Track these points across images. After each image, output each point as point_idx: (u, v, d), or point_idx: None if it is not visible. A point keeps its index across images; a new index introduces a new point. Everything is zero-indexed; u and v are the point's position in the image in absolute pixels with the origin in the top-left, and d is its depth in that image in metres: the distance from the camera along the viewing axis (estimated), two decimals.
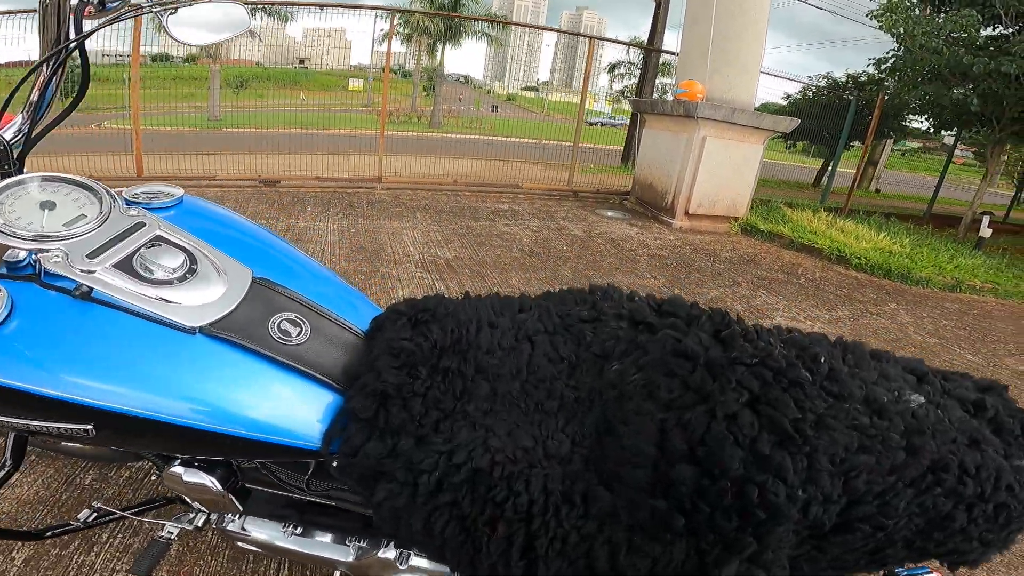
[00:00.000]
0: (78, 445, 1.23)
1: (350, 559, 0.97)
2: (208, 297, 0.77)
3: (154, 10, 0.91)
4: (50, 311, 0.69)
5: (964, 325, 4.22)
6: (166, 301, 0.73)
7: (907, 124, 12.20)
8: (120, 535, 1.39)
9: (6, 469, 0.88)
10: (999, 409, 0.79)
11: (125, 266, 0.74)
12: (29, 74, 0.84)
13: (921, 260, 5.69)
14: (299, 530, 0.98)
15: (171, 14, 0.90)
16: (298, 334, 0.80)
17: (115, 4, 0.88)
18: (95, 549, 1.34)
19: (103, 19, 0.87)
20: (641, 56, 11.76)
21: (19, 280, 0.70)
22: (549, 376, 0.82)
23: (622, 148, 11.26)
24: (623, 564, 0.66)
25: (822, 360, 0.75)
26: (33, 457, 1.57)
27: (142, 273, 0.74)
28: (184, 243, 0.82)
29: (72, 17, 0.83)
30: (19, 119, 0.88)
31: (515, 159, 8.16)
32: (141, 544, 1.38)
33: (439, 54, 23.17)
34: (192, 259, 0.80)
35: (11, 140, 0.84)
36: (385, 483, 0.74)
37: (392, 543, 0.95)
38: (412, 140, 11.24)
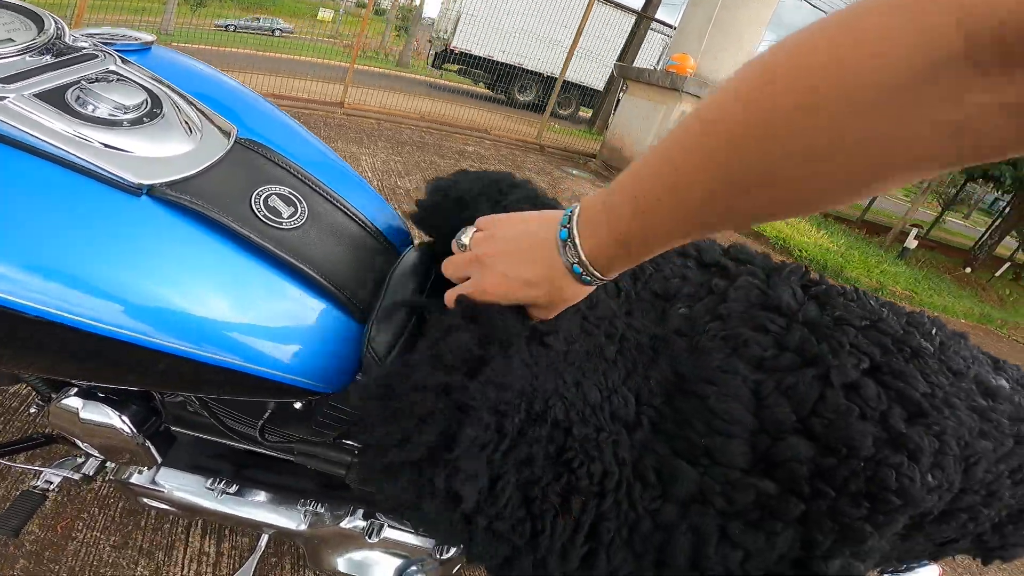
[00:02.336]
0: None
1: (301, 526, 0.80)
2: (170, 151, 0.55)
3: None
4: None
5: None
6: (106, 146, 0.51)
7: None
8: None
9: None
10: None
11: (53, 97, 0.52)
12: None
13: (853, 260, 6.06)
14: (232, 488, 0.80)
15: None
16: (291, 215, 0.60)
17: None
18: None
19: None
20: (632, 25, 11.54)
21: None
22: (609, 313, 0.64)
23: (589, 114, 11.20)
24: (710, 559, 0.53)
25: (933, 331, 0.64)
26: None
27: (77, 108, 0.52)
28: (147, 83, 0.61)
29: None
30: None
31: (484, 108, 7.91)
32: (8, 494, 1.08)
33: None
34: (155, 101, 0.58)
35: None
36: (471, 428, 0.51)
37: (361, 510, 0.79)
38: (377, 76, 10.65)
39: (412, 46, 18.15)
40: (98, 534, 1.07)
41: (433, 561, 0.82)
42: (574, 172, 6.15)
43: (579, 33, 6.53)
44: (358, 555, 0.81)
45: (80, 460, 0.82)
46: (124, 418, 0.67)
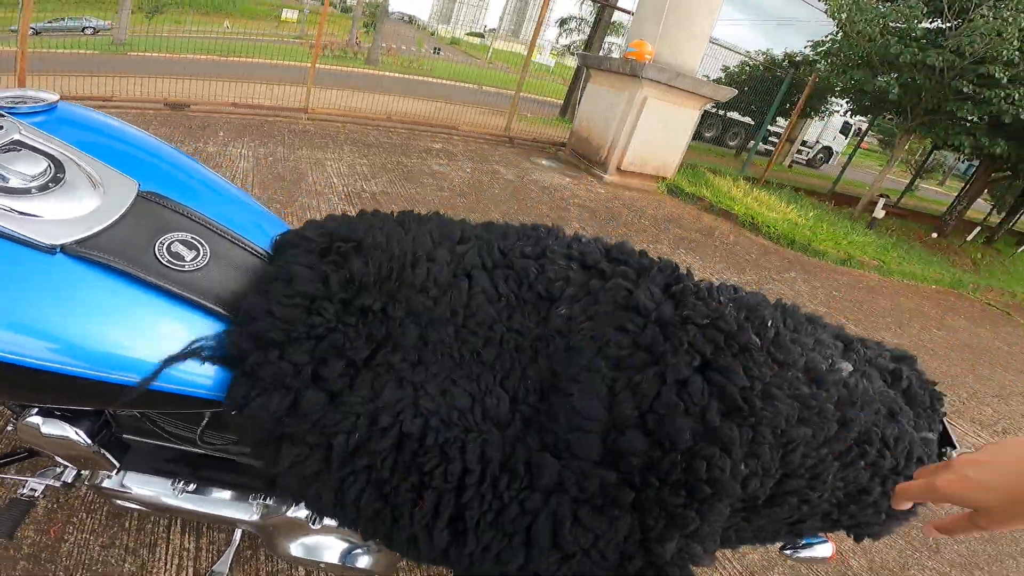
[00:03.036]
0: None
1: (254, 518, 0.88)
2: (77, 211, 0.63)
3: None
4: None
5: (851, 298, 4.65)
6: (20, 213, 0.59)
7: (828, 106, 12.93)
8: None
9: None
10: (912, 381, 0.78)
11: None
12: None
13: (821, 234, 6.17)
14: (191, 487, 0.87)
15: None
16: (193, 258, 0.67)
17: None
18: None
19: None
20: (593, 12, 11.49)
21: None
22: (488, 319, 0.70)
23: (562, 101, 11.18)
24: (565, 539, 0.60)
25: (769, 324, 0.70)
26: None
27: None
28: (50, 149, 0.68)
29: None
30: None
31: (454, 102, 7.88)
32: (2, 502, 1.17)
33: None
34: (58, 166, 0.66)
35: None
36: (290, 446, 0.63)
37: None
38: (346, 75, 10.52)
39: (380, 43, 17.92)
40: (87, 536, 1.15)
41: (376, 546, 0.89)
42: (543, 162, 6.19)
43: (539, 24, 6.53)
44: (308, 541, 0.88)
45: (59, 470, 0.89)
46: (78, 431, 0.75)
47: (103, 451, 0.78)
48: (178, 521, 1.22)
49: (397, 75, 14.07)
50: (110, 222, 0.64)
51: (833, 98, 11.66)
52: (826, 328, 0.81)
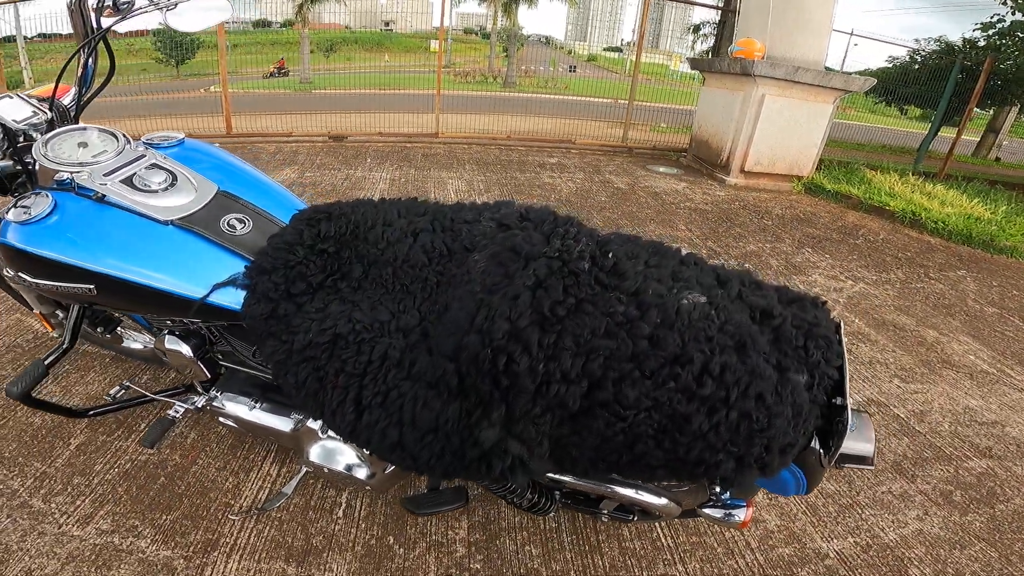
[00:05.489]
0: (121, 345, 1.56)
1: (288, 429, 1.18)
2: (180, 201, 1.08)
3: (160, 7, 1.20)
4: (79, 210, 1.03)
5: None
6: (151, 204, 1.05)
7: None
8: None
9: (63, 345, 1.15)
10: (787, 320, 0.78)
11: (128, 181, 1.07)
12: (68, 61, 1.19)
13: (1012, 228, 5.12)
14: (263, 405, 1.20)
15: (170, 10, 1.20)
16: (242, 228, 1.09)
17: (124, 5, 1.19)
18: (132, 435, 1.63)
19: (118, 17, 1.19)
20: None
21: (61, 191, 1.05)
22: (420, 264, 0.97)
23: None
24: (418, 417, 0.78)
25: (609, 255, 0.82)
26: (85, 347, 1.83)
27: (138, 186, 1.07)
28: (169, 167, 1.14)
29: (94, 15, 1.17)
30: (73, 89, 1.27)
31: (574, 117, 8.12)
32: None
33: (514, 15, 22.86)
34: (174, 177, 1.12)
35: (69, 104, 1.25)
36: (271, 340, 0.93)
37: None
38: (484, 99, 11.37)
39: (514, 66, 18.94)
40: (210, 461, 1.58)
41: (371, 462, 1.13)
42: (660, 169, 6.09)
43: (641, 35, 6.43)
44: (320, 448, 1.15)
45: (195, 398, 1.25)
46: (185, 346, 1.15)
47: (200, 363, 1.16)
48: (271, 452, 1.58)
49: (530, 95, 14.77)
50: (197, 208, 1.09)
51: None
52: (703, 269, 0.88)
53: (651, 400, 0.72)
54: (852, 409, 0.82)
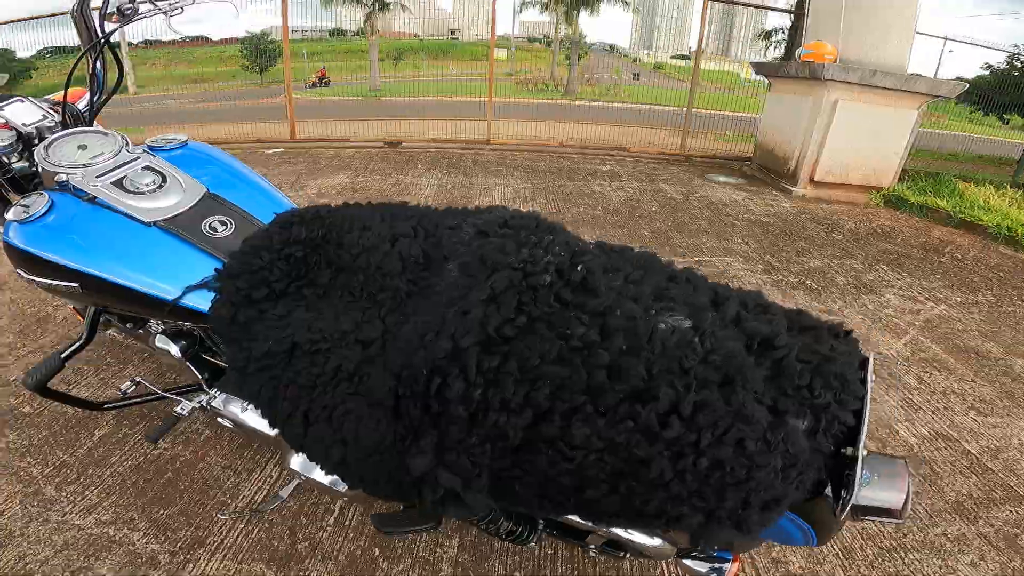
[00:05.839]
0: (141, 335, 1.56)
1: (273, 434, 1.09)
2: (167, 203, 1.09)
3: (164, 12, 1.23)
4: (72, 210, 1.05)
5: None
6: (137, 206, 1.06)
7: None
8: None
9: (81, 340, 1.20)
10: (793, 352, 0.65)
11: (119, 183, 1.09)
12: (74, 66, 1.22)
13: None
14: (249, 407, 1.15)
15: (176, 14, 1.22)
16: (224, 231, 1.08)
17: (128, 11, 1.22)
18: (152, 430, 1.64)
19: (121, 22, 1.22)
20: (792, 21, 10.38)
21: (58, 191, 1.07)
22: (394, 271, 0.90)
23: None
24: (360, 435, 0.72)
25: (579, 268, 0.71)
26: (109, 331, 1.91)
27: (128, 187, 1.08)
28: (161, 169, 1.14)
29: (98, 21, 1.19)
30: (87, 94, 1.31)
31: (638, 124, 7.89)
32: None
33: (575, 23, 22.80)
34: (163, 179, 1.12)
35: (83, 108, 1.29)
36: (232, 347, 0.88)
37: None
38: (543, 107, 11.34)
39: (576, 74, 18.84)
40: (218, 459, 1.59)
41: None
42: (720, 178, 5.77)
43: (700, 39, 6.14)
44: (301, 455, 1.09)
45: (201, 396, 1.24)
46: (174, 346, 1.15)
47: (188, 364, 1.15)
48: (276, 454, 1.57)
49: (590, 103, 14.60)
50: (182, 210, 1.09)
51: None
52: (698, 287, 0.74)
53: (604, 441, 0.60)
54: (883, 455, 0.69)
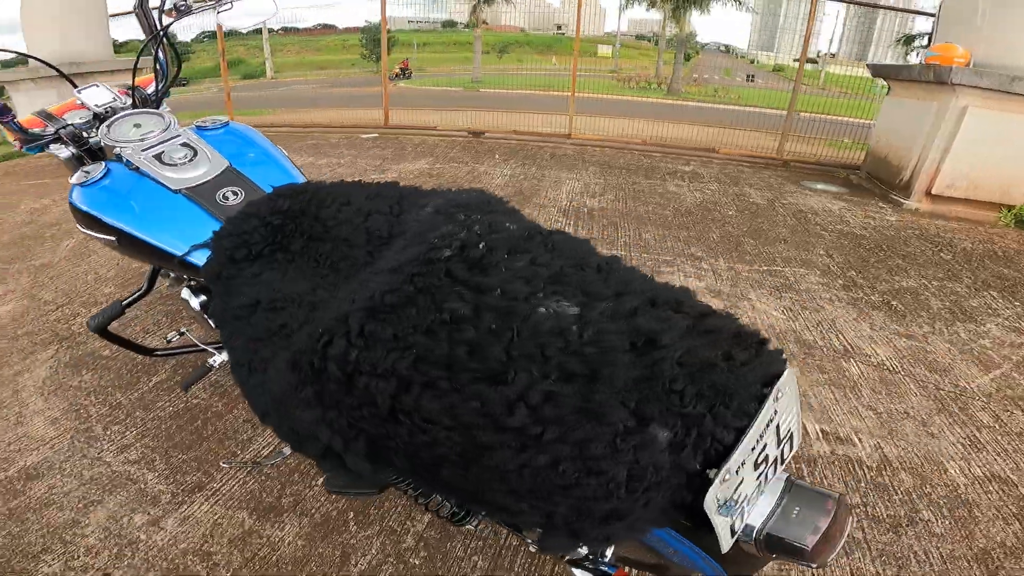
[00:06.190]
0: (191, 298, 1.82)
1: None
2: (193, 173, 1.26)
3: (213, 7, 1.38)
4: (119, 177, 1.26)
5: None
6: (169, 175, 1.24)
7: None
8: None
9: (141, 291, 1.40)
10: (674, 355, 0.58)
11: (159, 156, 1.27)
12: (139, 56, 1.44)
13: None
14: None
15: (226, 9, 1.37)
16: (234, 200, 1.23)
17: (183, 7, 1.41)
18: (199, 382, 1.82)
19: (176, 16, 1.42)
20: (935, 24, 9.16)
21: (115, 161, 1.28)
22: (360, 243, 0.95)
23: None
24: (275, 386, 0.76)
25: (480, 246, 0.71)
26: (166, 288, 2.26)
27: (165, 160, 1.27)
28: (195, 145, 1.31)
29: (157, 15, 1.39)
30: (154, 81, 1.52)
31: (734, 126, 7.42)
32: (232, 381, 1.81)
33: (683, 21, 21.78)
34: (195, 153, 1.30)
35: (150, 93, 1.49)
36: (216, 299, 1.00)
37: None
38: (639, 105, 11.04)
39: (682, 74, 18.07)
40: (241, 412, 1.74)
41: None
42: (817, 186, 5.27)
43: (807, 39, 5.57)
44: None
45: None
46: (192, 296, 1.28)
47: (204, 315, 1.28)
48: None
49: (690, 103, 13.95)
50: (204, 181, 1.26)
51: None
52: (614, 278, 0.68)
53: (453, 419, 0.58)
54: (814, 489, 0.64)
